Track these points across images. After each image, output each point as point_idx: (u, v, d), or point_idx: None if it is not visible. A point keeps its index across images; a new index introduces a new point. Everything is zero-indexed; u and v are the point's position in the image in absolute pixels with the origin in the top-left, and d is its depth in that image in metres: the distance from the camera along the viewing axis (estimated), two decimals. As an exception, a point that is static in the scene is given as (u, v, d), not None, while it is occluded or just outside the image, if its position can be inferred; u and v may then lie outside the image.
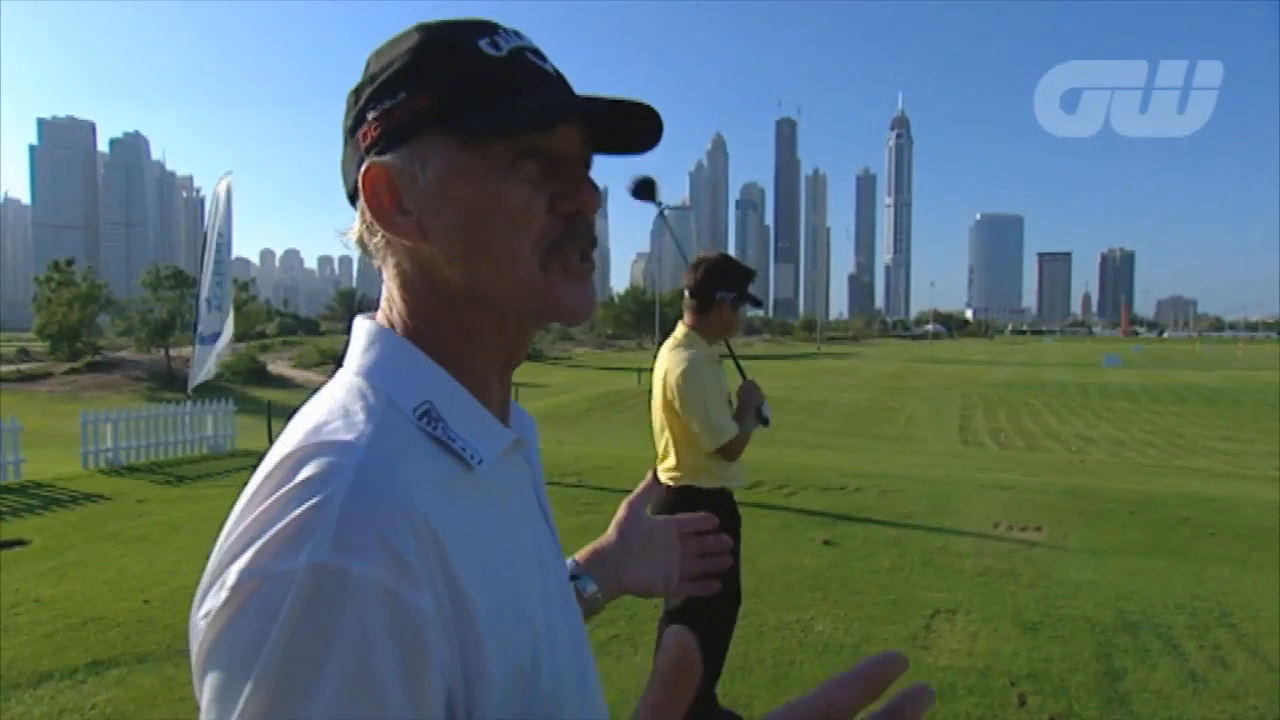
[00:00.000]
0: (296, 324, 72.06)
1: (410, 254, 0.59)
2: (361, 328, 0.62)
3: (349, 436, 0.52)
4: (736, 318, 2.82)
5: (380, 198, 0.58)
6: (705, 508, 2.61)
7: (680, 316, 2.91)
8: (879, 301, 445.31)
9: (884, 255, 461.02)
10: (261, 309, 67.98)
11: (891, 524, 6.28)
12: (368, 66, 0.60)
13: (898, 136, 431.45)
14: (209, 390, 16.19)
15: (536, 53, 0.60)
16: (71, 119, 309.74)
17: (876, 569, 5.10)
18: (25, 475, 8.39)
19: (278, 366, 42.39)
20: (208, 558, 0.50)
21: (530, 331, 0.63)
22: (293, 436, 0.53)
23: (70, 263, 41.03)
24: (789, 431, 16.06)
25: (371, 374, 0.58)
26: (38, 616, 4.28)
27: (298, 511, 0.47)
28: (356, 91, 0.60)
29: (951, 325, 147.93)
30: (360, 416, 0.54)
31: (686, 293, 2.85)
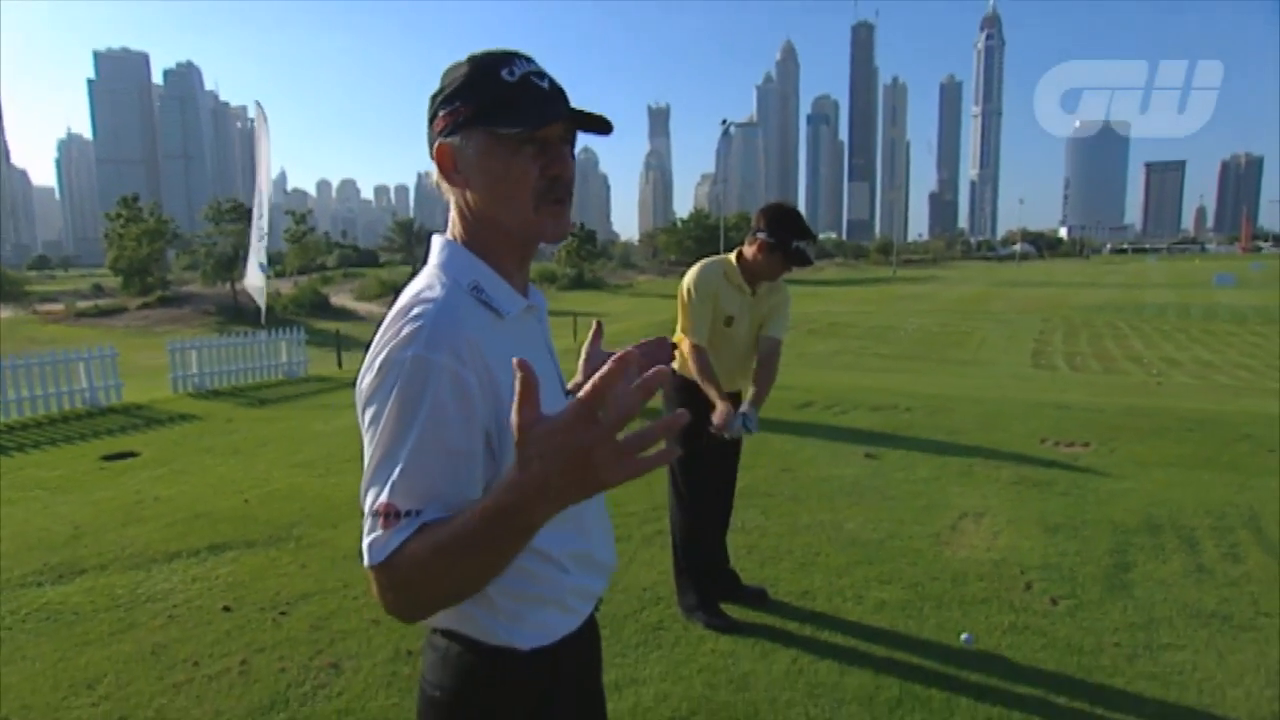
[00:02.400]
0: (356, 254, 74.09)
1: (462, 196, 1.08)
2: (438, 240, 1.11)
3: (433, 295, 1.01)
4: (770, 262, 3.20)
5: (446, 163, 1.06)
6: (688, 393, 3.13)
7: (741, 241, 3.35)
8: (962, 221, 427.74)
9: (969, 170, 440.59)
10: (320, 241, 70.25)
11: (936, 440, 6.66)
12: (441, 80, 1.07)
13: (988, 38, 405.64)
14: (278, 321, 17.40)
15: (539, 75, 1.05)
16: (125, 50, 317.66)
17: (913, 478, 5.53)
18: (125, 398, 9.47)
19: (340, 299, 44.12)
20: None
21: (532, 244, 1.11)
22: (407, 295, 1.03)
23: (137, 198, 43.20)
24: (850, 356, 16.30)
25: (445, 266, 1.07)
26: (159, 511, 5.12)
27: (407, 331, 0.97)
28: (434, 96, 1.07)
29: (1042, 245, 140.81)
30: (439, 288, 1.03)
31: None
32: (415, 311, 0.98)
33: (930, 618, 3.42)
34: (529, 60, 1.05)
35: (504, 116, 1.01)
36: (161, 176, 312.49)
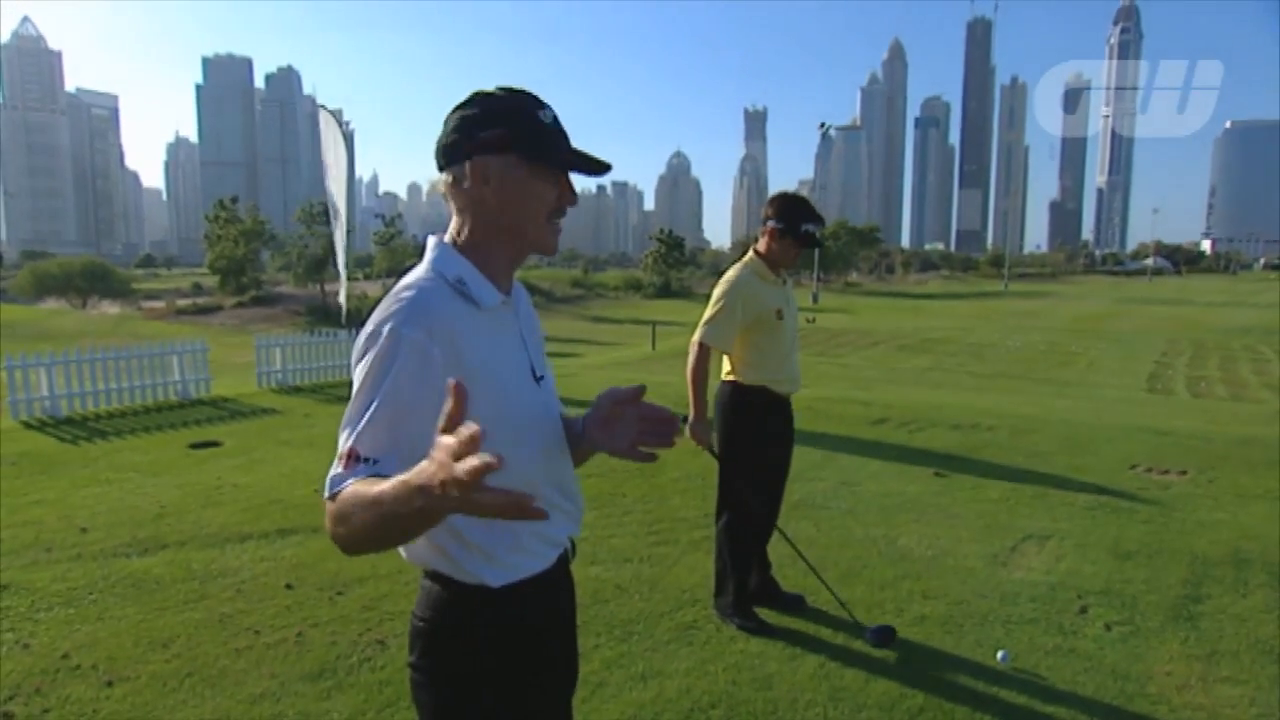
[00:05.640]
0: (442, 260, 76.59)
1: (484, 205, 1.33)
2: (432, 240, 1.39)
3: (419, 284, 1.30)
4: (784, 248, 3.47)
5: (477, 175, 1.32)
6: (746, 400, 3.32)
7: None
8: (1086, 232, 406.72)
9: (1096, 177, 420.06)
10: (409, 245, 73.25)
11: (1014, 462, 6.59)
12: (474, 103, 1.33)
13: (1123, 31, 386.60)
14: (364, 322, 18.49)
15: (558, 120, 1.34)
16: (231, 56, 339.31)
17: (981, 499, 5.52)
18: (213, 391, 10.30)
19: (424, 302, 45.87)
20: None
21: (530, 252, 1.40)
22: (401, 283, 1.32)
23: (235, 200, 46.18)
24: (941, 374, 15.99)
25: (434, 262, 1.35)
26: (236, 496, 5.65)
27: (392, 309, 1.24)
28: (466, 115, 1.32)
29: (1179, 260, 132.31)
30: (425, 280, 1.31)
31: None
32: (402, 296, 1.27)
33: (970, 634, 3.50)
34: (550, 107, 1.36)
35: (545, 152, 1.33)
36: (260, 179, 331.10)
